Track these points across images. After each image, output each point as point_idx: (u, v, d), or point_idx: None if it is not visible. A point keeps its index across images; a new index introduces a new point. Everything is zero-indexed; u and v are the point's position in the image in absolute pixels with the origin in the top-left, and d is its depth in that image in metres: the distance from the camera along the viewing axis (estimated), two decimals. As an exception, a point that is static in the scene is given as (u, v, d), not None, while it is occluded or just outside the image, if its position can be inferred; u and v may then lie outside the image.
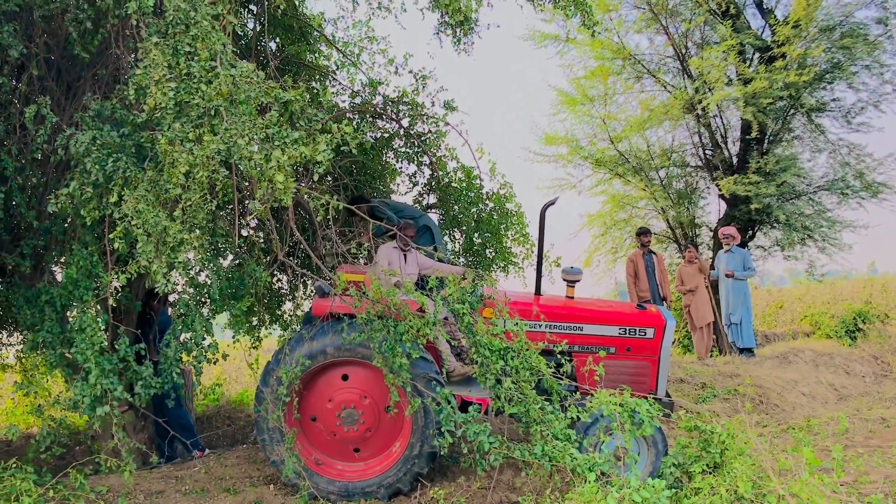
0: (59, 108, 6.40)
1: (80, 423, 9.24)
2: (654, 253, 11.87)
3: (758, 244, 14.61)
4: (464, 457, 5.66)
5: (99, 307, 6.16)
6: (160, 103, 4.84)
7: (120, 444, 5.64)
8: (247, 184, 6.27)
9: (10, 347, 9.36)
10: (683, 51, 13.96)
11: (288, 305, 9.96)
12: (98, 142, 5.33)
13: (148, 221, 4.87)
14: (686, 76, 14.07)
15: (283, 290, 9.91)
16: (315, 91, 8.54)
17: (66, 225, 6.57)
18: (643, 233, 12.01)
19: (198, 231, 5.04)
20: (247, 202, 5.15)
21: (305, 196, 5.68)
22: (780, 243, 14.31)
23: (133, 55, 6.18)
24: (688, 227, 15.21)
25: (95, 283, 5.92)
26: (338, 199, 5.43)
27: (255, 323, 9.64)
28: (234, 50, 5.30)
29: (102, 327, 5.85)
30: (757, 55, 13.30)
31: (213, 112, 4.82)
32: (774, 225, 13.93)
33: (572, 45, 14.97)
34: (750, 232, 14.15)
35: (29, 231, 6.58)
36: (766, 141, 13.61)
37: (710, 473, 4.88)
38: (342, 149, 5.08)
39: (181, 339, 6.26)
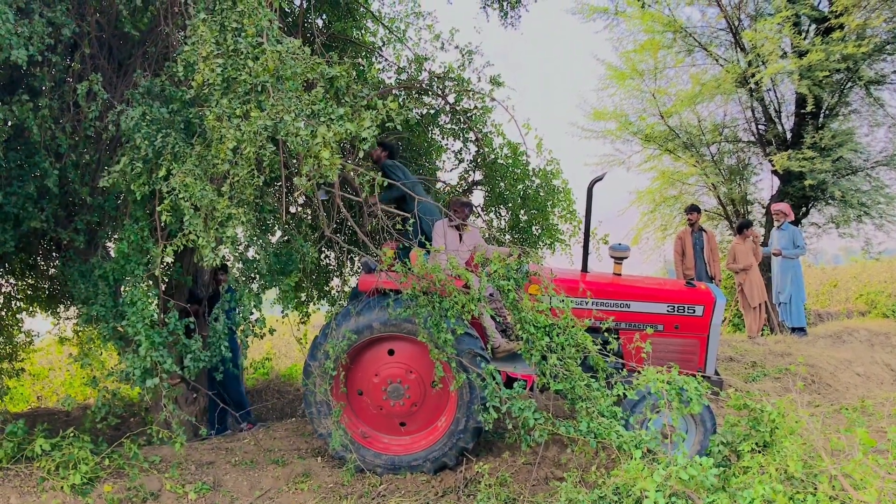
0: (111, 86, 6.53)
1: (134, 394, 9.49)
2: (704, 231, 11.61)
3: (812, 221, 14.28)
4: (509, 432, 5.66)
5: (151, 282, 6.30)
6: (208, 79, 4.89)
7: (170, 416, 5.77)
8: (294, 161, 6.31)
9: (68, 321, 9.64)
10: (736, 23, 13.61)
11: (335, 281, 10.06)
12: (148, 118, 5.43)
13: (195, 195, 4.94)
14: (739, 49, 13.73)
15: (331, 267, 10.00)
16: (361, 68, 8.55)
17: (119, 201, 6.71)
18: (692, 210, 11.75)
19: (245, 206, 5.10)
20: (294, 179, 5.19)
21: (351, 173, 5.69)
22: (835, 220, 13.97)
23: (182, 32, 6.25)
24: (739, 204, 14.92)
25: (146, 258, 6.05)
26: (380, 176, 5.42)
27: (303, 298, 9.77)
28: (281, 27, 5.32)
29: (153, 301, 5.98)
30: (813, 26, 12.92)
31: (259, 88, 4.85)
32: (829, 201, 13.59)
33: (622, 18, 14.72)
34: (804, 209, 13.82)
35: (83, 207, 6.74)
36: (821, 115, 13.24)
37: (760, 452, 4.81)
38: (387, 125, 5.07)
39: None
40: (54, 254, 8.57)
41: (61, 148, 6.08)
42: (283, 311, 7.67)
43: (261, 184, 5.16)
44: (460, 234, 7.08)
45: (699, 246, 11.45)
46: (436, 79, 8.88)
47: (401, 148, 9.24)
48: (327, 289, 9.97)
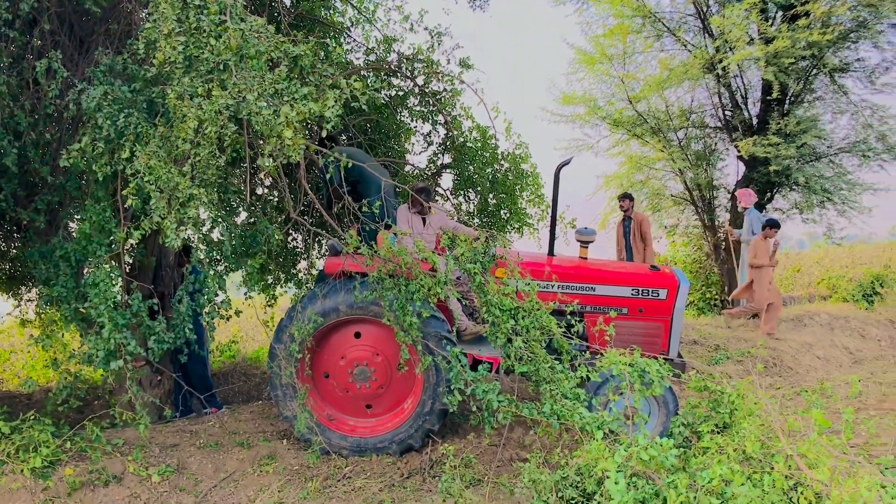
0: (72, 64, 6.39)
1: (97, 377, 9.39)
2: (632, 218, 11.65)
3: (776, 207, 14.45)
4: (473, 414, 5.70)
5: (113, 262, 6.21)
6: (170, 58, 4.81)
7: (134, 398, 5.72)
8: (261, 142, 6.26)
9: (30, 303, 9.49)
10: (705, 9, 13.68)
11: (303, 264, 10.00)
12: (109, 97, 5.33)
13: (160, 178, 4.88)
14: (707, 35, 13.81)
15: (298, 249, 9.94)
16: (329, 48, 8.47)
17: (82, 181, 6.60)
18: (623, 198, 11.80)
19: (208, 187, 5.03)
20: (258, 160, 5.14)
21: (316, 154, 5.65)
22: (798, 206, 14.15)
23: (144, 9, 6.13)
24: (706, 189, 15.04)
25: (108, 239, 5.96)
26: (347, 158, 5.38)
27: (270, 281, 9.70)
28: (245, 5, 5.24)
29: (116, 283, 5.90)
30: (780, 13, 13.02)
31: (222, 67, 4.79)
32: (793, 187, 13.76)
33: (591, 2, 14.73)
34: (769, 194, 13.98)
35: (43, 186, 6.62)
36: (786, 102, 13.37)
37: (719, 433, 4.89)
38: (353, 105, 5.03)
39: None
40: (15, 234, 8.41)
41: (20, 126, 5.95)
42: (246, 294, 7.61)
43: (222, 164, 5.09)
44: (423, 218, 7.07)
45: (627, 233, 11.57)
46: (405, 60, 8.82)
47: (368, 130, 9.20)
48: (294, 272, 9.91)
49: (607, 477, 3.84)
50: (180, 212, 4.90)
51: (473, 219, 9.13)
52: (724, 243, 13.22)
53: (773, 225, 11.07)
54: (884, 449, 5.56)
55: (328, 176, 5.57)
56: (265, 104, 4.59)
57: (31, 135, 6.13)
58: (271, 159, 4.90)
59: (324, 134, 4.80)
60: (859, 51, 13.01)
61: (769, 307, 11.09)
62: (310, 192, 6.14)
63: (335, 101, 4.67)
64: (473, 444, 6.34)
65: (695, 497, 3.59)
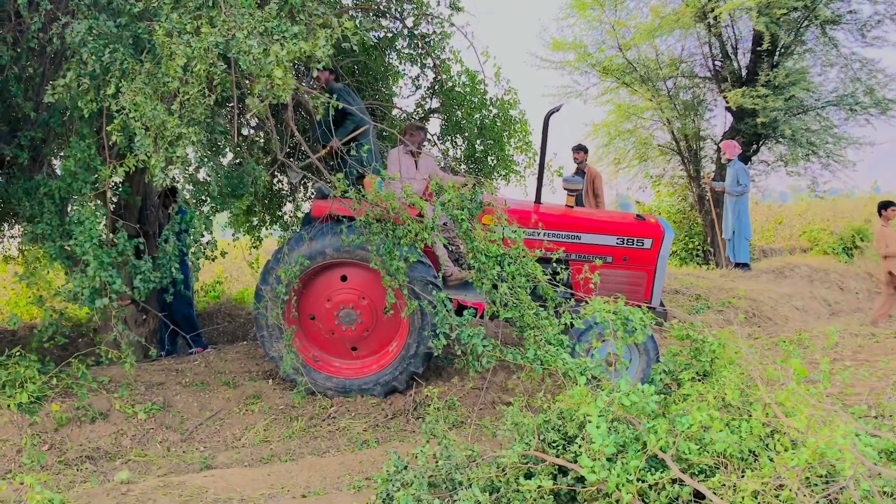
0: (55, -4, 6.21)
1: (82, 315, 9.39)
2: (584, 171, 11.63)
3: (762, 159, 14.47)
4: (458, 358, 5.77)
5: (98, 200, 6.15)
6: (157, -8, 4.71)
7: (119, 336, 5.73)
8: (248, 81, 6.17)
9: (13, 239, 9.40)
10: (698, -45, 13.47)
11: (289, 207, 9.95)
12: (94, 31, 5.19)
13: (146, 115, 4.81)
14: (700, -18, 13.63)
15: (284, 192, 9.88)
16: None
17: (65, 117, 6.49)
18: (578, 150, 11.77)
19: (196, 126, 4.97)
20: (246, 100, 5.07)
21: (305, 95, 5.58)
22: (783, 159, 14.17)
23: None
24: (692, 140, 15.02)
25: (94, 177, 5.89)
26: (336, 100, 5.32)
27: (255, 223, 9.66)
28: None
29: (101, 221, 5.86)
30: (774, -38, 12.84)
31: (211, 3, 4.69)
32: (780, 140, 13.74)
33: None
34: (755, 146, 13.99)
35: (27, 122, 6.50)
36: (777, 53, 13.28)
37: (699, 381, 4.97)
38: (343, 46, 4.96)
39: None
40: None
41: (2, 60, 5.80)
42: (233, 235, 7.57)
43: (212, 103, 5.03)
44: (416, 161, 7.05)
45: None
46: (394, 1, 8.66)
47: (356, 71, 9.07)
48: (280, 214, 9.87)
49: (589, 421, 3.90)
50: (168, 150, 4.85)
51: (460, 165, 9.08)
52: (707, 194, 13.27)
53: (889, 205, 9.82)
54: (858, 398, 5.69)
55: (318, 118, 5.50)
56: (254, 43, 4.52)
57: (13, 69, 6.00)
58: (259, 99, 4.85)
59: (315, 74, 4.74)
60: (851, 3, 12.91)
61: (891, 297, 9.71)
62: (297, 133, 6.08)
63: (326, 41, 4.61)
64: (457, 387, 6.43)
65: (674, 442, 3.67)
